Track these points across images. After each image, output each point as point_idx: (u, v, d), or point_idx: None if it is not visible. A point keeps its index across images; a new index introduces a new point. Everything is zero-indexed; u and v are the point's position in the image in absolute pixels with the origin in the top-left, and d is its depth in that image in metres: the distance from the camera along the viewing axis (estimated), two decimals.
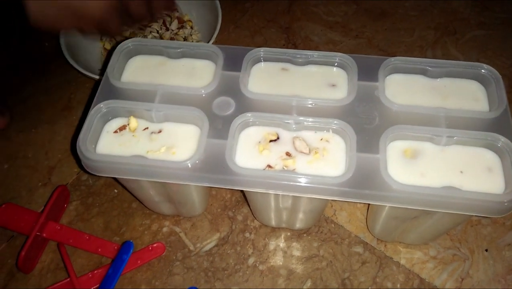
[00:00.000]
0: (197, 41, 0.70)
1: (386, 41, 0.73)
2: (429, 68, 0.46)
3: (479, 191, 0.39)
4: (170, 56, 0.48)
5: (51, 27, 0.43)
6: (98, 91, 0.45)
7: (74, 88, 0.68)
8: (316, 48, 0.72)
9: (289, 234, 0.54)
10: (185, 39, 0.69)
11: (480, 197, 0.38)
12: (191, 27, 0.71)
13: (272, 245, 0.53)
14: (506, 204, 0.37)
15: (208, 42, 0.63)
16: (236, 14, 0.78)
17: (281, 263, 0.51)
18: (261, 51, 0.47)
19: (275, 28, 0.75)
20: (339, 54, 0.46)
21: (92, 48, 0.69)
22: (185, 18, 0.72)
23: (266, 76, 0.47)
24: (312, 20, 0.76)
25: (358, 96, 0.44)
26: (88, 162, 0.40)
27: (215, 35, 0.63)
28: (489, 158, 0.41)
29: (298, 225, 0.53)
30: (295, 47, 0.72)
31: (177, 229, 0.54)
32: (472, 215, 0.50)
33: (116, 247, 0.51)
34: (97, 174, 0.41)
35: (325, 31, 0.75)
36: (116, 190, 0.57)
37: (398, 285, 0.50)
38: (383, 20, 0.76)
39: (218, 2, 0.67)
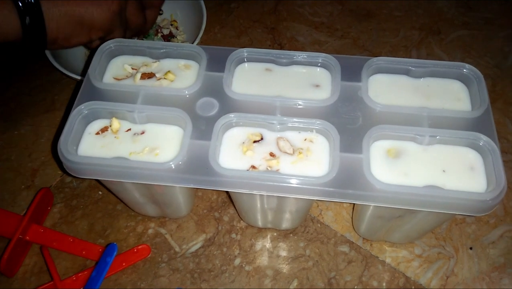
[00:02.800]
0: (182, 42, 0.70)
1: (371, 41, 0.73)
2: (412, 68, 0.46)
3: (461, 190, 0.39)
4: (153, 57, 0.48)
5: (67, 42, 0.50)
6: (80, 92, 0.44)
7: (58, 90, 0.67)
8: (301, 49, 0.72)
9: (275, 234, 0.54)
10: (169, 40, 0.69)
11: (462, 196, 0.38)
12: (176, 28, 0.71)
13: (258, 245, 0.53)
14: (489, 202, 0.38)
15: (193, 42, 0.62)
16: (222, 15, 0.78)
17: (267, 264, 0.51)
18: (245, 51, 0.47)
19: (261, 29, 0.75)
20: (323, 54, 0.46)
21: (75, 49, 0.68)
22: (170, 19, 0.71)
23: (250, 77, 0.47)
24: (298, 20, 0.77)
25: (342, 96, 0.44)
26: (69, 164, 0.40)
27: (199, 36, 0.62)
28: (471, 157, 0.41)
29: (284, 225, 0.53)
30: (281, 47, 0.72)
31: (163, 231, 0.54)
32: (456, 214, 0.51)
33: (100, 250, 0.50)
34: (79, 177, 0.41)
35: (310, 31, 0.75)
36: (100, 192, 0.57)
37: (384, 284, 0.50)
38: (368, 20, 0.77)
39: (203, 2, 0.66)
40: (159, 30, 0.70)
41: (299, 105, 0.43)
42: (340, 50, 0.72)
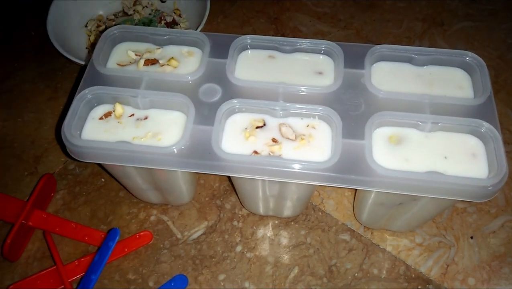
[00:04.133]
0: (186, 29, 0.70)
1: (375, 32, 0.73)
2: (415, 56, 0.46)
3: (463, 176, 0.39)
4: (156, 43, 0.48)
5: None
6: (84, 77, 0.44)
7: (61, 78, 0.67)
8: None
9: (276, 222, 0.54)
10: (172, 27, 0.69)
11: (464, 182, 0.38)
12: (179, 15, 0.71)
13: (260, 233, 0.53)
14: (490, 188, 0.38)
15: (196, 30, 0.62)
16: (225, 4, 0.77)
17: (268, 251, 0.52)
18: (248, 38, 0.47)
19: (264, 19, 0.75)
20: (326, 41, 0.46)
21: (78, 37, 0.68)
22: (173, 7, 0.72)
23: (252, 64, 0.47)
24: (301, 10, 0.76)
25: (345, 83, 0.44)
26: (73, 148, 0.40)
27: (202, 24, 0.62)
28: (473, 144, 0.41)
29: (286, 213, 0.53)
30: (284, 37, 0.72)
31: (165, 218, 0.54)
32: (457, 201, 0.51)
33: (102, 235, 0.51)
34: (82, 160, 0.41)
35: (313, 22, 0.75)
36: (103, 179, 0.57)
37: (384, 272, 0.50)
38: (371, 11, 0.76)
39: None
40: (162, 18, 0.70)
41: (302, 91, 0.43)
42: (343, 40, 0.71)
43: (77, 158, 0.41)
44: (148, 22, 0.72)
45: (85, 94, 0.43)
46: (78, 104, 0.42)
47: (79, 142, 0.40)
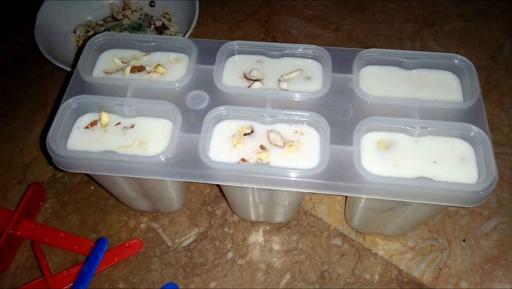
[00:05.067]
0: (175, 34, 0.69)
1: (365, 33, 0.73)
2: (404, 60, 0.46)
3: (452, 181, 0.39)
4: (143, 50, 0.48)
5: None
6: (69, 86, 0.44)
7: (50, 84, 0.67)
8: (295, 42, 0.72)
9: (268, 228, 0.53)
10: (162, 32, 0.69)
11: (453, 187, 0.38)
12: (169, 20, 0.70)
13: (251, 239, 0.53)
14: (480, 193, 0.38)
15: (184, 35, 0.62)
16: (215, 8, 0.77)
17: (260, 257, 0.51)
18: (235, 44, 0.46)
19: (255, 22, 0.75)
20: (314, 46, 0.46)
21: (67, 43, 0.68)
22: (163, 11, 0.71)
23: (240, 69, 0.46)
24: (292, 13, 0.76)
25: (333, 88, 0.44)
26: (58, 159, 0.40)
27: (191, 29, 0.62)
28: (463, 148, 0.41)
29: (277, 218, 0.52)
30: (275, 40, 0.72)
31: (155, 225, 0.53)
32: (448, 206, 0.51)
33: (92, 244, 0.50)
34: (68, 171, 0.41)
35: (304, 24, 0.74)
36: (92, 187, 0.56)
37: (376, 277, 0.50)
38: (362, 12, 0.76)
39: None
40: (151, 22, 0.69)
41: (290, 97, 0.43)
42: (334, 43, 0.72)
43: (62, 169, 0.40)
44: (137, 27, 0.71)
45: (70, 103, 0.42)
46: (63, 114, 0.42)
47: (64, 153, 0.39)
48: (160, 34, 0.69)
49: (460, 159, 0.41)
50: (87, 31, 0.69)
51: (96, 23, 0.72)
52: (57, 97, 0.64)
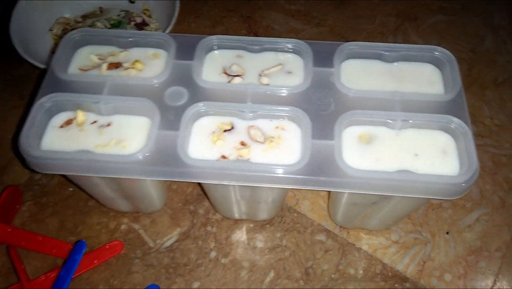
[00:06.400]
0: (156, 30, 0.68)
1: (348, 28, 0.73)
2: (385, 53, 0.45)
3: (434, 173, 0.38)
4: (120, 46, 0.46)
5: None
6: (43, 84, 0.42)
7: (27, 84, 0.65)
8: (278, 37, 0.71)
9: (251, 225, 0.53)
10: (143, 28, 0.67)
11: (435, 180, 0.38)
12: (149, 16, 0.69)
13: (234, 237, 0.52)
14: (462, 184, 0.37)
15: (164, 31, 0.61)
16: (196, 4, 0.76)
17: (243, 256, 0.51)
18: (214, 38, 0.46)
19: (237, 18, 0.74)
20: (294, 40, 0.46)
21: (44, 42, 0.66)
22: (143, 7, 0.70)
23: (220, 65, 0.46)
24: (274, 8, 0.75)
25: (314, 82, 0.43)
26: (31, 159, 0.38)
27: (171, 25, 0.61)
28: (444, 140, 0.41)
29: (261, 216, 0.52)
30: (257, 36, 0.71)
31: (136, 226, 0.52)
32: (430, 198, 0.51)
33: (71, 247, 0.49)
34: (42, 172, 0.39)
35: (287, 19, 0.74)
36: (71, 189, 0.55)
37: (361, 272, 0.50)
38: (344, 7, 0.76)
39: None
40: (131, 19, 0.68)
41: (271, 92, 0.42)
42: (316, 38, 0.71)
43: (36, 170, 0.39)
44: (117, 24, 0.70)
45: (43, 102, 0.41)
46: (36, 113, 0.40)
47: (37, 153, 0.38)
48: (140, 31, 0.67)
49: (441, 151, 0.40)
50: (64, 29, 0.67)
51: (74, 20, 0.70)
52: (30, 96, 0.63)
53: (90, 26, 0.68)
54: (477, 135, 0.60)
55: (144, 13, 0.70)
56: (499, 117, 0.62)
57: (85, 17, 0.70)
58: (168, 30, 0.61)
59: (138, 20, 0.69)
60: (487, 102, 0.64)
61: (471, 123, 0.40)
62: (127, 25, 0.69)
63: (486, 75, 0.67)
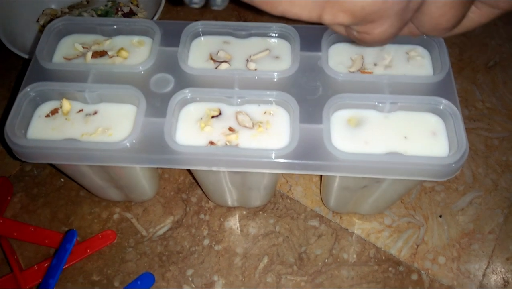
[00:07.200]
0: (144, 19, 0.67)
1: None
2: None
3: (424, 155, 0.38)
4: (105, 34, 0.46)
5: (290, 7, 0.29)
6: (27, 74, 0.42)
7: (15, 76, 0.64)
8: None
9: (244, 212, 0.53)
10: (130, 18, 0.66)
11: (424, 161, 0.37)
12: (137, 5, 0.68)
13: (227, 225, 0.52)
14: (452, 165, 0.37)
15: (152, 19, 0.60)
16: None
17: (237, 242, 0.51)
18: (199, 24, 0.45)
19: None
20: (281, 24, 0.45)
21: (30, 33, 0.65)
22: None
23: (206, 51, 0.45)
24: None
25: (301, 67, 0.43)
26: (17, 149, 0.38)
27: (158, 13, 0.60)
28: (433, 122, 0.41)
29: (253, 203, 0.52)
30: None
31: (129, 215, 0.52)
32: (424, 180, 0.51)
33: (63, 237, 0.49)
34: (28, 161, 0.39)
35: None
36: (62, 179, 0.55)
37: (354, 256, 0.50)
38: None
39: None
40: (119, 8, 0.67)
41: (258, 77, 0.42)
42: (307, 23, 0.70)
43: (23, 160, 0.39)
44: (104, 14, 0.69)
45: (27, 91, 0.40)
46: (21, 102, 0.40)
47: (23, 142, 0.38)
48: None
49: (431, 133, 0.40)
50: (51, 20, 0.66)
51: (61, 11, 0.69)
52: (14, 86, 0.62)
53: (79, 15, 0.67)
54: (469, 119, 0.60)
55: (132, 3, 0.69)
56: (490, 100, 0.61)
57: (71, 7, 0.69)
58: (155, 18, 0.60)
59: (126, 9, 0.68)
60: (479, 86, 0.63)
61: (463, 107, 0.40)
62: (114, 15, 0.68)
63: (477, 59, 0.66)
